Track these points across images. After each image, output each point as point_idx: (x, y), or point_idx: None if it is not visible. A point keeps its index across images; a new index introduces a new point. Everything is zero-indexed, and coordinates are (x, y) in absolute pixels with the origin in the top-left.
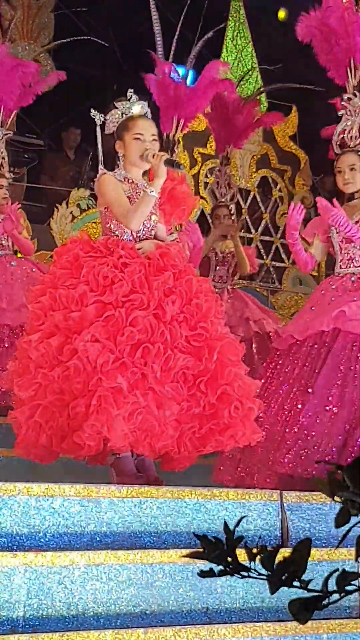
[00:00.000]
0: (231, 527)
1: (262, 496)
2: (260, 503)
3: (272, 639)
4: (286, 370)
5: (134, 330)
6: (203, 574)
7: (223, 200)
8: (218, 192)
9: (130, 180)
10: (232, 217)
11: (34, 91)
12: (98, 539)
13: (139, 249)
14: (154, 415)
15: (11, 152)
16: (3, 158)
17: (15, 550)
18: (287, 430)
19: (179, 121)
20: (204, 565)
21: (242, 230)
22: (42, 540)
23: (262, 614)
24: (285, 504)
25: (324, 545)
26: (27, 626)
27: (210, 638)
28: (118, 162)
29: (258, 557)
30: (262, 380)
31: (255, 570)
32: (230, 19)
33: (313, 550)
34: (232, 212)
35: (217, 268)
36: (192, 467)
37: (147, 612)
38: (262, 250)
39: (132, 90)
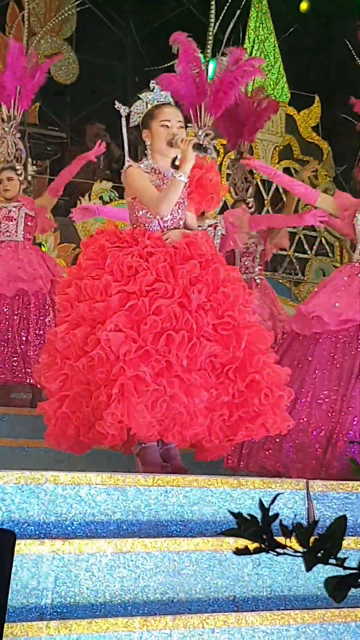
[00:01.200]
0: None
1: (288, 485)
2: (287, 492)
3: (299, 627)
4: (310, 357)
5: (157, 318)
6: (238, 551)
7: (239, 196)
8: (235, 188)
9: (157, 171)
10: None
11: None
12: (125, 527)
13: (166, 239)
14: (182, 403)
15: (33, 144)
16: (19, 150)
17: (43, 538)
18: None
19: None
20: (231, 552)
21: None
22: (69, 528)
23: (289, 602)
24: (311, 493)
25: (350, 534)
26: (55, 613)
27: (238, 626)
28: (145, 152)
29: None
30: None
31: (291, 547)
32: (253, 9)
33: None
34: (250, 206)
35: (242, 259)
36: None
37: (174, 599)
38: None
39: (154, 82)
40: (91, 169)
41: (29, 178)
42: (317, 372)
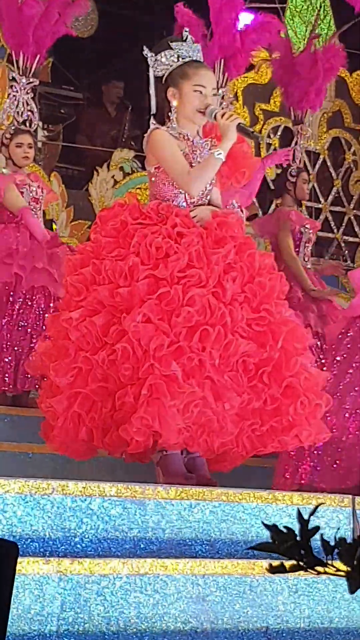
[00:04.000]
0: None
1: (331, 501)
2: (329, 509)
3: None
4: None
5: (191, 310)
6: (272, 569)
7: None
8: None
9: (186, 137)
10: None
11: (55, 29)
12: (142, 545)
13: (193, 217)
14: (211, 408)
15: (45, 106)
16: (31, 111)
17: (49, 556)
18: None
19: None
20: (264, 577)
21: (310, 200)
22: (78, 545)
23: (330, 636)
24: (358, 511)
25: None
26: None
27: None
28: (169, 114)
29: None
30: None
31: (332, 565)
32: None
33: None
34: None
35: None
36: (252, 468)
37: (197, 629)
38: (332, 223)
39: (187, 30)
40: (111, 136)
41: (39, 145)
42: None
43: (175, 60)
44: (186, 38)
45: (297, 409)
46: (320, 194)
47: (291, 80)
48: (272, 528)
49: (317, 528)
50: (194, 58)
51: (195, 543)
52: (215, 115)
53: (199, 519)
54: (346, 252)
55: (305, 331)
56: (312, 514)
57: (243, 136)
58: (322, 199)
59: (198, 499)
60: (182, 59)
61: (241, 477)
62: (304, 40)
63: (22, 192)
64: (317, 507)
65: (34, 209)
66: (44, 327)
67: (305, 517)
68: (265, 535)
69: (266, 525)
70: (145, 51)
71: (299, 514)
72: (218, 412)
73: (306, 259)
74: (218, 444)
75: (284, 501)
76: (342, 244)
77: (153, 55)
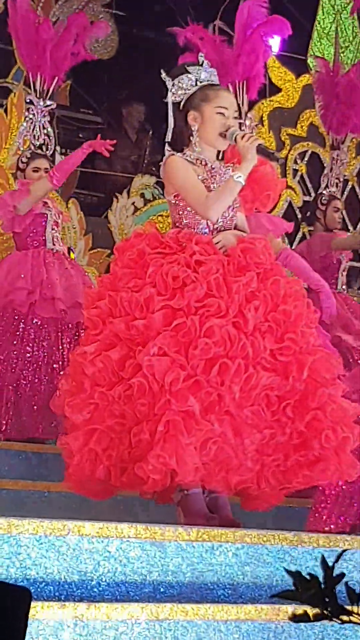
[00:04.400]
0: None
1: (359, 543)
2: (358, 552)
3: None
4: None
5: (209, 342)
6: (295, 618)
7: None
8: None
9: (203, 162)
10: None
11: (74, 50)
12: (162, 589)
13: (216, 243)
14: (230, 444)
15: (63, 130)
16: (47, 135)
17: (64, 601)
18: None
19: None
20: (289, 623)
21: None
22: (95, 589)
23: None
24: None
25: None
26: None
27: None
28: (191, 139)
29: None
30: None
31: (357, 614)
32: None
33: None
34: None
35: None
36: (279, 508)
37: None
38: None
39: (202, 54)
40: (131, 161)
41: None
42: None
43: (194, 84)
44: (202, 62)
45: (322, 442)
46: (348, 221)
47: (330, 103)
48: (295, 575)
49: (342, 575)
50: (212, 82)
51: (217, 587)
52: (235, 138)
53: (221, 562)
54: None
55: (336, 360)
56: (336, 560)
57: (264, 159)
58: (350, 227)
59: (220, 540)
60: (200, 82)
61: (267, 518)
62: (331, 62)
63: (44, 215)
64: (341, 553)
65: (55, 231)
66: None
67: (330, 563)
68: (290, 579)
69: (289, 572)
70: (163, 75)
71: (323, 561)
72: (237, 448)
73: (343, 287)
74: (236, 481)
75: (310, 543)
76: None
77: (171, 79)
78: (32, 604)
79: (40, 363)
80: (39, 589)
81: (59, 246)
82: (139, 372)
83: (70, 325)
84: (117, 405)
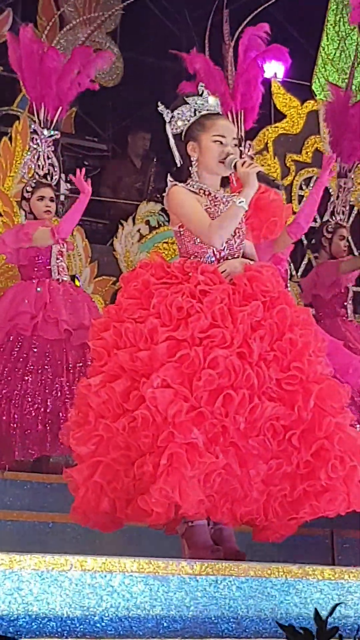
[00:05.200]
0: (324, 615)
1: None
2: None
3: None
4: None
5: (213, 373)
6: None
7: (333, 219)
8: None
9: (206, 192)
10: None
11: (78, 80)
12: (165, 624)
13: (222, 272)
14: (235, 475)
15: (68, 157)
16: (52, 165)
17: (67, 637)
18: None
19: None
20: None
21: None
22: (98, 624)
23: None
24: None
25: None
26: None
27: None
28: (190, 169)
29: None
30: None
31: None
32: (332, 1)
33: None
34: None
35: None
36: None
37: None
38: None
39: (203, 85)
40: (136, 188)
41: (62, 198)
42: None
43: (192, 114)
44: (202, 92)
45: (329, 472)
46: (354, 246)
47: (341, 131)
48: (289, 630)
49: (335, 629)
50: (212, 111)
51: (222, 621)
52: (235, 165)
53: (225, 596)
54: None
55: (344, 389)
56: (330, 614)
57: (265, 186)
58: (356, 252)
59: (224, 574)
60: (199, 112)
61: (275, 550)
62: (343, 90)
63: (49, 246)
64: (335, 607)
65: (60, 260)
66: None
67: (324, 615)
68: (295, 612)
69: (281, 626)
70: (161, 107)
71: (317, 615)
72: (242, 479)
73: (355, 315)
74: (242, 513)
75: (315, 576)
76: None
77: (169, 112)
78: None
79: (44, 387)
80: (41, 625)
81: (65, 276)
82: (142, 404)
83: (75, 345)
84: (121, 437)
